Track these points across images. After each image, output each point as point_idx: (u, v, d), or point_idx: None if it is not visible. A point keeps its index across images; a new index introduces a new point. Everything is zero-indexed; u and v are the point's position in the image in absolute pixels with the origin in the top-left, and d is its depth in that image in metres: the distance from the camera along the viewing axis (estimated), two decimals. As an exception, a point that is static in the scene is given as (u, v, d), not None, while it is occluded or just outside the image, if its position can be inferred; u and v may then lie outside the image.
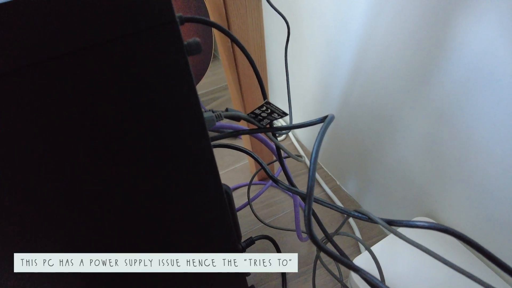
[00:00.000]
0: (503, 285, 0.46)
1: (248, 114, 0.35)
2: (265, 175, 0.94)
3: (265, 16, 0.93)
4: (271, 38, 0.96)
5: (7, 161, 0.21)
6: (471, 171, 0.47)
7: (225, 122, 0.39)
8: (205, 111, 0.32)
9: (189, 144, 0.27)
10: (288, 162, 1.00)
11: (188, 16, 0.25)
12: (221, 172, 0.99)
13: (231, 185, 0.94)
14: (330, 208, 0.35)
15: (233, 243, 0.41)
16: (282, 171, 0.97)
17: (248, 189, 0.71)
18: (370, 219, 0.33)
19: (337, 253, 0.30)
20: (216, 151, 1.07)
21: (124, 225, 0.29)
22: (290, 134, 1.09)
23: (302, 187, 0.91)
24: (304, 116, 0.97)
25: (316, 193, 0.89)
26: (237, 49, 0.49)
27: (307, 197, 0.26)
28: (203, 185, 0.31)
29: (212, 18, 0.49)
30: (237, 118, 0.35)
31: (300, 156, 0.51)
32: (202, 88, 1.38)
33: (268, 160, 0.86)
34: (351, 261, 0.29)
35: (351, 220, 0.79)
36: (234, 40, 0.27)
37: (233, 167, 1.01)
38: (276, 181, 0.42)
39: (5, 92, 0.18)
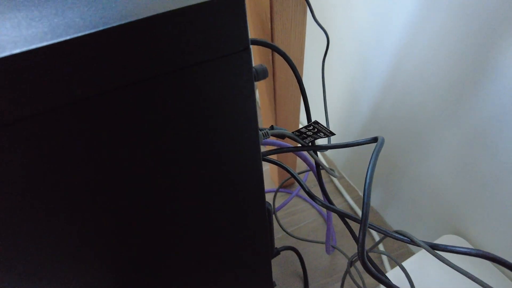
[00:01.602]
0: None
1: (293, 133, 0.35)
2: (286, 183, 0.94)
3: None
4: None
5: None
6: (505, 193, 0.46)
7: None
8: (261, 130, 0.33)
9: (245, 163, 0.27)
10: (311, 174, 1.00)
11: (253, 38, 0.25)
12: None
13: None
14: (371, 228, 0.34)
15: (269, 257, 0.42)
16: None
17: (274, 198, 0.71)
18: (412, 242, 0.33)
19: (381, 276, 0.30)
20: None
21: (173, 240, 0.30)
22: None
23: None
24: (332, 127, 0.96)
25: (338, 203, 0.89)
26: (276, 63, 0.49)
27: (361, 224, 0.26)
28: (251, 203, 0.32)
29: (254, 31, 0.49)
30: (282, 136, 0.35)
31: (333, 170, 0.51)
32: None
33: (290, 166, 0.86)
34: (394, 284, 0.29)
35: (374, 232, 0.79)
36: (290, 65, 0.28)
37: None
38: (314, 198, 0.42)
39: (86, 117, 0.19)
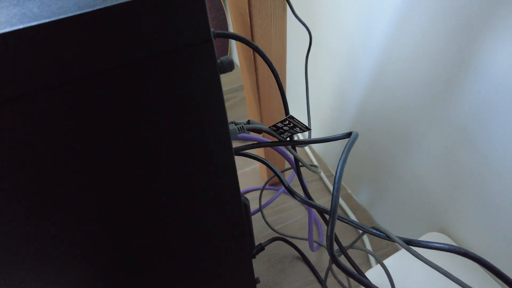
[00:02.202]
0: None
1: (270, 127, 0.35)
2: (275, 180, 0.94)
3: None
4: (289, 47, 0.96)
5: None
6: (489, 190, 0.46)
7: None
8: (235, 124, 0.32)
9: (214, 157, 0.27)
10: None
11: (219, 31, 0.25)
12: (231, 175, 1.00)
13: (241, 189, 0.94)
14: (348, 223, 0.34)
15: (248, 252, 0.42)
16: (293, 178, 0.97)
17: (260, 195, 0.71)
18: (388, 237, 0.33)
19: (355, 272, 0.30)
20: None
21: (142, 233, 0.30)
22: (302, 139, 1.08)
23: (313, 194, 0.91)
24: (319, 126, 0.96)
25: (326, 200, 0.89)
26: (258, 58, 0.49)
27: (330, 216, 0.26)
28: (225, 197, 0.31)
29: (235, 27, 0.49)
30: (258, 131, 0.35)
31: (315, 166, 0.51)
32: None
33: (278, 165, 0.86)
34: (370, 281, 0.29)
35: (364, 236, 0.79)
36: (261, 55, 0.27)
37: (242, 170, 1.01)
38: (292, 194, 0.42)
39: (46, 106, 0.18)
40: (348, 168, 0.86)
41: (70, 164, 0.21)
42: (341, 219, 0.34)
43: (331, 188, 0.91)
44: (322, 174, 0.95)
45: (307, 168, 0.41)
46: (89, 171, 0.22)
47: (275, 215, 0.86)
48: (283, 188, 0.86)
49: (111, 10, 0.17)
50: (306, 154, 1.04)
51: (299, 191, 0.92)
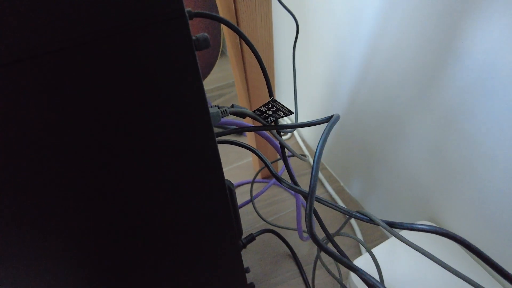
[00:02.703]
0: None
1: (253, 111, 0.35)
2: (268, 173, 0.94)
3: (275, 14, 0.93)
4: (280, 36, 0.96)
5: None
6: (476, 177, 0.47)
7: (231, 118, 0.39)
8: (211, 107, 0.32)
9: (194, 139, 0.27)
10: (292, 161, 1.00)
11: (198, 11, 0.25)
12: (225, 169, 1.00)
13: (234, 181, 0.95)
14: (332, 208, 0.35)
15: (234, 238, 0.42)
16: (285, 170, 0.97)
17: (251, 186, 0.71)
18: (371, 221, 0.33)
19: (337, 252, 0.30)
20: (221, 148, 1.07)
21: (125, 220, 0.30)
22: (295, 133, 1.08)
23: (305, 186, 0.91)
24: (311, 115, 0.96)
25: (319, 193, 0.89)
26: (245, 46, 0.49)
27: (308, 196, 0.27)
28: (207, 180, 0.31)
29: (222, 13, 0.49)
30: (242, 115, 0.35)
31: (304, 155, 0.51)
32: (209, 84, 1.38)
33: (272, 158, 0.86)
34: (350, 261, 0.29)
35: (353, 222, 0.79)
36: (241, 35, 0.27)
37: (237, 164, 1.01)
38: (279, 179, 0.42)
39: (8, 81, 0.18)
40: (340, 161, 0.87)
41: (43, 141, 0.21)
42: (323, 202, 0.34)
43: (324, 181, 0.91)
44: (315, 167, 0.95)
45: (294, 154, 0.41)
46: (66, 153, 0.22)
47: (268, 207, 0.86)
48: (274, 179, 0.86)
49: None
50: (299, 146, 1.04)
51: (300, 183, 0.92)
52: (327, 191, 0.89)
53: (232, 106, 0.35)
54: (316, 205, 0.85)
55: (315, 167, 0.27)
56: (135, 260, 0.35)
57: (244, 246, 0.59)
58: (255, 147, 0.78)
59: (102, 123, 0.22)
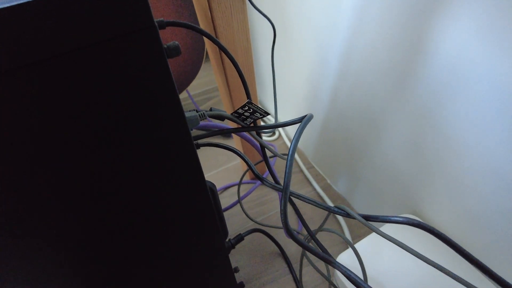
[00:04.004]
0: (480, 282, 0.47)
1: (231, 114, 0.36)
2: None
3: (257, 19, 0.95)
4: (264, 41, 0.97)
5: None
6: (451, 170, 0.48)
7: (219, 122, 0.40)
8: (197, 111, 0.33)
9: (171, 143, 0.28)
10: (280, 161, 1.02)
11: (170, 20, 0.26)
12: (214, 171, 1.01)
13: (223, 184, 0.96)
14: (312, 204, 0.36)
15: (219, 238, 0.43)
16: (287, 175, 0.98)
17: (238, 188, 0.72)
18: (348, 214, 0.35)
19: (312, 246, 0.31)
20: (210, 151, 1.08)
21: (105, 223, 0.30)
22: (282, 134, 1.10)
23: (293, 186, 0.92)
24: (294, 112, 0.98)
25: (306, 191, 0.90)
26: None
27: (282, 193, 0.28)
28: (187, 182, 0.32)
29: (200, 21, 0.50)
30: (221, 118, 0.36)
31: (286, 154, 0.53)
32: (197, 88, 1.39)
33: (258, 159, 0.87)
34: (326, 254, 0.30)
35: (340, 218, 0.80)
36: (212, 40, 0.29)
37: (225, 166, 1.02)
38: (260, 178, 0.43)
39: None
40: (327, 159, 0.88)
41: (23, 147, 0.22)
42: (301, 198, 0.36)
43: (311, 179, 0.93)
44: (303, 167, 0.97)
45: (274, 153, 0.42)
46: (41, 159, 0.23)
47: (257, 207, 0.87)
48: (259, 182, 0.87)
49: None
50: (287, 147, 1.06)
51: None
52: (314, 189, 0.91)
53: (211, 109, 0.36)
54: (301, 203, 0.86)
55: (289, 165, 0.28)
56: (118, 262, 0.36)
57: (233, 246, 0.60)
58: (242, 149, 0.80)
59: (78, 132, 0.23)
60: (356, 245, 0.53)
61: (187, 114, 0.32)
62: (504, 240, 0.45)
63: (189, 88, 1.36)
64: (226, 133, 0.37)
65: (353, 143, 0.71)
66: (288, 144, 1.06)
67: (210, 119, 0.39)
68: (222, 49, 0.29)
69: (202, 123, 0.38)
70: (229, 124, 0.48)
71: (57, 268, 0.31)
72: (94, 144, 0.24)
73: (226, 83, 0.55)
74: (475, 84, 0.40)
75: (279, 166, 1.00)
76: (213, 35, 0.48)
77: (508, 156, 0.40)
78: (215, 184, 0.96)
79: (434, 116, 0.47)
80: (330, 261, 0.30)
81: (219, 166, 1.02)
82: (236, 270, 0.60)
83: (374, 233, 0.57)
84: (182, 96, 1.32)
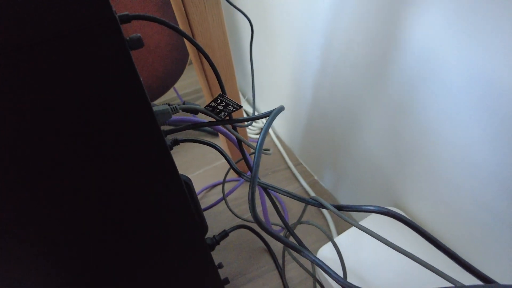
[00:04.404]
0: (457, 273, 0.48)
1: (205, 107, 0.36)
2: (245, 171, 0.96)
3: (241, 15, 0.95)
4: (249, 37, 0.97)
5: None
6: (429, 162, 0.49)
7: (200, 116, 0.40)
8: (169, 105, 0.34)
9: (140, 137, 0.28)
10: (267, 157, 1.02)
11: (135, 14, 0.27)
12: (202, 170, 1.01)
13: (211, 182, 0.96)
14: (288, 196, 0.36)
15: (198, 232, 0.43)
16: (255, 165, 0.99)
17: (223, 185, 0.72)
18: (322, 205, 0.35)
19: (274, 230, 0.31)
20: (198, 150, 1.08)
21: (80, 221, 0.31)
22: (270, 130, 1.10)
23: (280, 182, 0.93)
24: (281, 115, 0.98)
25: (293, 188, 0.91)
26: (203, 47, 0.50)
27: (250, 182, 0.28)
28: (160, 175, 0.33)
29: (177, 17, 0.50)
30: (194, 111, 0.36)
31: (268, 149, 0.53)
32: (187, 87, 1.39)
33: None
34: (288, 240, 0.31)
35: (326, 214, 0.81)
36: (179, 32, 0.29)
37: (214, 164, 1.02)
38: (238, 172, 0.44)
39: None
40: (313, 155, 0.89)
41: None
42: (276, 190, 0.36)
43: (298, 176, 0.93)
44: (290, 163, 0.97)
45: (247, 145, 0.43)
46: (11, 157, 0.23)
47: (244, 204, 0.88)
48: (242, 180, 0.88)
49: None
50: (274, 144, 1.06)
51: (272, 179, 0.94)
52: (301, 185, 0.91)
53: (184, 103, 0.36)
54: (288, 199, 0.87)
55: (257, 154, 0.29)
56: (97, 261, 0.36)
57: (218, 242, 0.60)
58: (227, 146, 0.80)
59: (41, 127, 0.23)
60: (337, 238, 0.54)
61: (158, 107, 0.33)
62: (480, 232, 0.45)
63: (178, 88, 1.36)
64: (200, 127, 0.37)
65: (336, 138, 0.72)
66: (276, 141, 1.06)
67: (185, 113, 0.39)
68: (192, 41, 0.30)
69: (176, 117, 0.38)
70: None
71: (28, 264, 0.31)
72: (57, 139, 0.24)
73: (206, 81, 0.56)
74: (447, 75, 0.40)
75: (268, 163, 1.01)
76: (189, 30, 0.48)
77: (483, 147, 0.40)
78: (200, 182, 0.97)
79: (409, 108, 0.48)
80: (298, 250, 0.31)
81: (208, 164, 1.03)
82: (220, 266, 0.61)
83: (352, 228, 0.57)
84: (171, 95, 1.32)
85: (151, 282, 0.44)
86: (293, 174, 0.95)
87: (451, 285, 0.27)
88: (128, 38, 0.24)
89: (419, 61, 0.43)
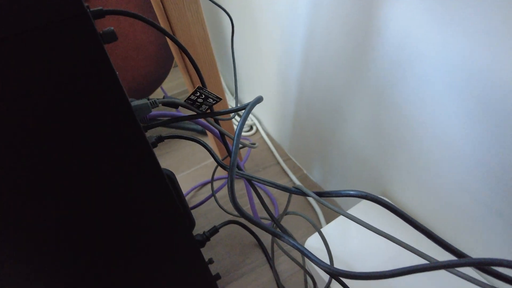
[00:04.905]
0: (443, 257, 0.49)
1: (185, 101, 0.36)
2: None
3: (230, 10, 0.95)
4: (237, 33, 0.98)
5: None
6: (411, 148, 0.50)
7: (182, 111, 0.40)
8: (148, 99, 0.34)
9: (119, 131, 0.28)
10: (257, 153, 1.02)
11: (109, 9, 0.27)
12: (192, 169, 1.01)
13: (201, 180, 0.96)
14: (271, 186, 0.36)
15: (185, 228, 0.43)
16: (247, 160, 0.99)
17: (212, 182, 0.73)
18: (303, 193, 0.35)
19: (252, 216, 0.32)
20: (188, 149, 1.08)
21: (63, 219, 0.31)
22: (260, 128, 1.11)
23: (271, 178, 0.93)
24: (269, 107, 0.99)
25: (283, 183, 0.92)
26: (180, 41, 0.50)
27: (228, 171, 0.29)
28: (141, 170, 0.33)
29: (157, 15, 0.51)
30: (174, 105, 0.37)
31: (254, 143, 0.53)
32: (175, 88, 1.39)
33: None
34: (267, 226, 0.31)
35: (314, 203, 0.82)
36: (154, 26, 0.29)
37: (204, 163, 1.03)
38: (223, 166, 0.44)
39: None
40: (301, 149, 0.89)
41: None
42: (259, 180, 0.36)
43: (288, 171, 0.94)
44: (279, 159, 0.98)
45: (229, 137, 0.43)
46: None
47: (234, 201, 0.88)
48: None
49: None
50: (264, 141, 1.07)
51: (263, 175, 0.95)
52: (291, 180, 0.92)
53: (164, 97, 0.37)
54: (276, 193, 0.87)
55: (235, 144, 0.29)
56: (79, 257, 0.36)
57: (208, 238, 0.60)
58: (215, 143, 0.80)
59: (13, 123, 0.23)
60: (325, 228, 0.54)
61: (137, 102, 0.33)
62: (464, 217, 0.46)
63: (167, 89, 1.36)
64: (180, 120, 0.37)
65: (322, 130, 0.72)
66: (266, 139, 1.07)
67: (165, 107, 0.39)
68: (159, 29, 0.30)
69: (156, 111, 0.39)
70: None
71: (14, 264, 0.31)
72: (33, 135, 0.25)
73: (189, 77, 0.56)
74: (423, 61, 0.41)
75: (258, 159, 1.01)
76: (169, 27, 0.48)
77: (461, 133, 0.41)
78: (190, 182, 0.97)
79: (389, 97, 0.49)
80: (281, 236, 0.31)
81: (198, 163, 1.03)
82: (211, 261, 0.61)
83: (341, 216, 0.58)
84: (159, 96, 1.32)
85: (139, 277, 0.44)
86: (283, 169, 0.96)
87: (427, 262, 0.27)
88: (101, 31, 0.24)
89: (396, 49, 0.44)
